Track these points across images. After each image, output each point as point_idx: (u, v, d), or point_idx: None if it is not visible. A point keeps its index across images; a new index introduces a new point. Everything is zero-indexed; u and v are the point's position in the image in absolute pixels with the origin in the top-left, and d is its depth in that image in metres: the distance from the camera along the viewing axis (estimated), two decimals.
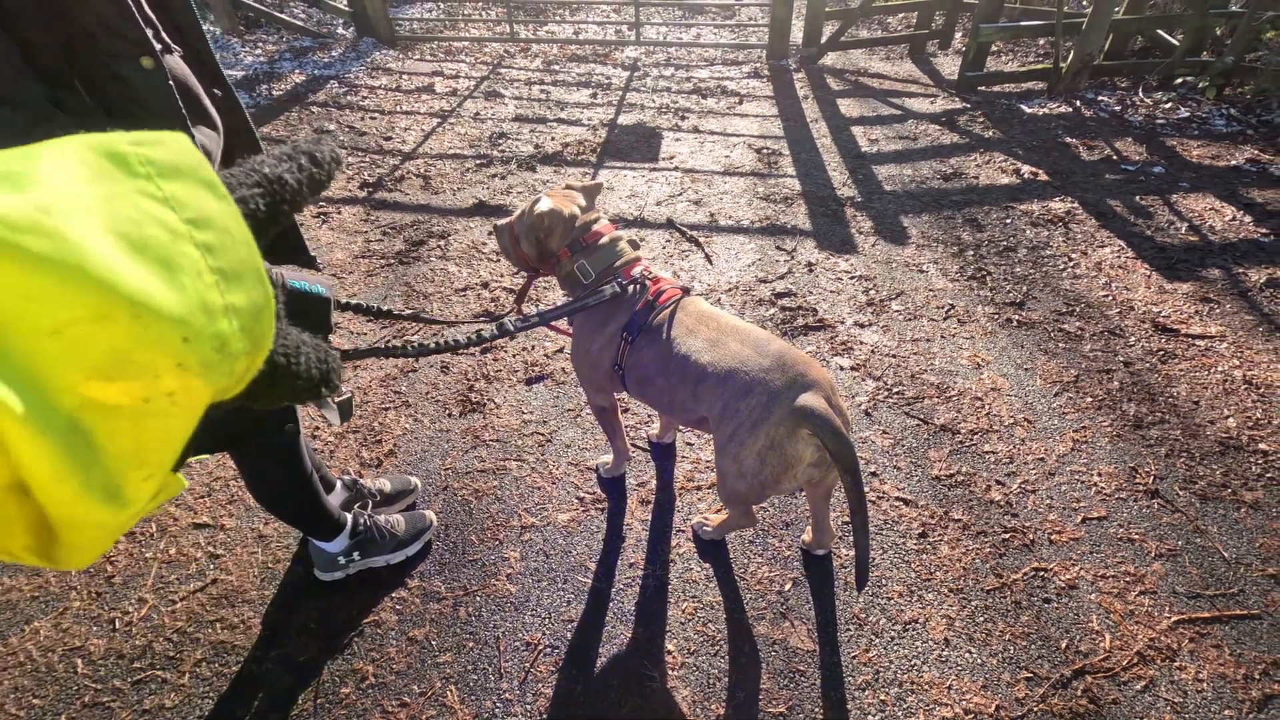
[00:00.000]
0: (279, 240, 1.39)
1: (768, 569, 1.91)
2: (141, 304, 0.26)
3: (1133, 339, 2.73)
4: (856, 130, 4.79)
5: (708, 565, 1.92)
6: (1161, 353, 2.64)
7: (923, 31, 6.36)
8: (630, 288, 1.65)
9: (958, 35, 6.73)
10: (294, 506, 1.66)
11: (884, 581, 1.87)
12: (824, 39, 6.10)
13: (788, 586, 1.86)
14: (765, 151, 4.47)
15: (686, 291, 1.70)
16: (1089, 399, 2.44)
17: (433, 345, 1.05)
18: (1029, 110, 4.98)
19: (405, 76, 5.86)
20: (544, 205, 1.66)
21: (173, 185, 0.30)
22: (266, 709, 1.62)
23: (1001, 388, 2.51)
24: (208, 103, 1.16)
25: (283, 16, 6.62)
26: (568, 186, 1.80)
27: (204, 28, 1.27)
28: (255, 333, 0.34)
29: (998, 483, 2.14)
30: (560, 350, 2.72)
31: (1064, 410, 2.40)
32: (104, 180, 0.28)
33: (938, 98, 5.32)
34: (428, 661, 1.70)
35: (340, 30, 6.88)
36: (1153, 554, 1.93)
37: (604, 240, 1.70)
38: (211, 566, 1.93)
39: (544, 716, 1.59)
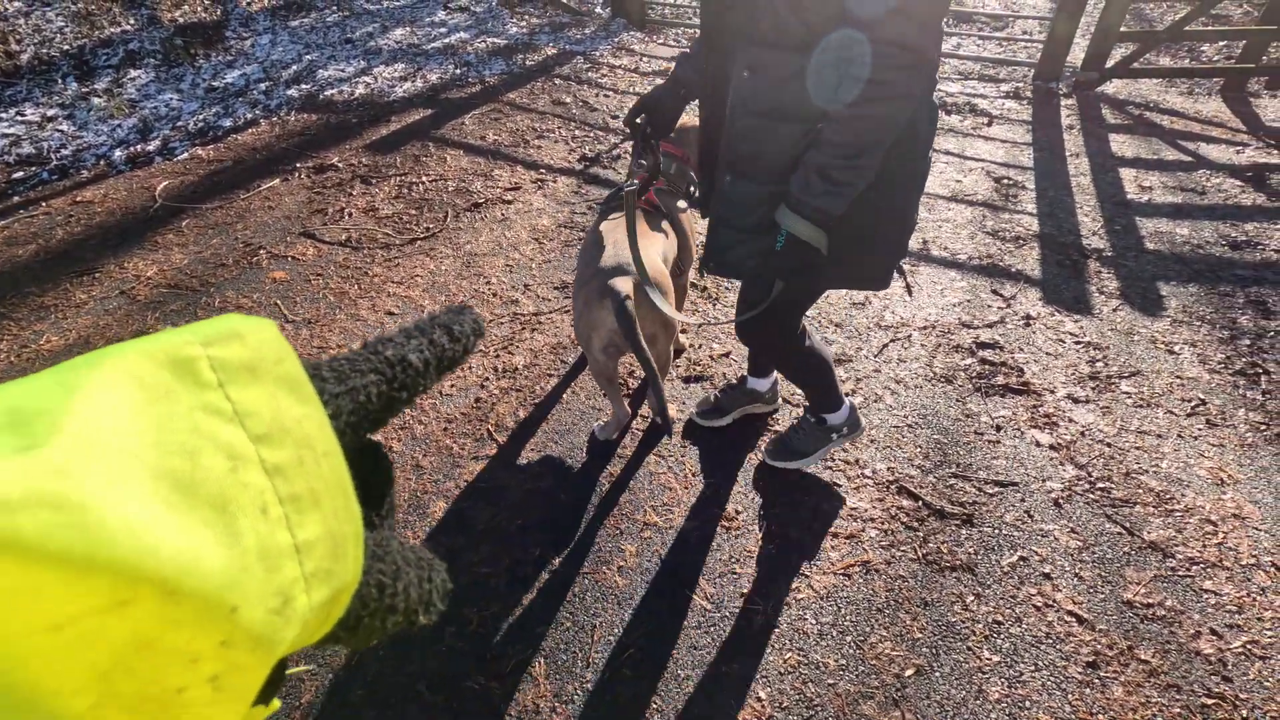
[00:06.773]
0: None
1: (891, 646, 1.71)
2: (177, 578, 0.20)
3: None
4: (1126, 173, 4.10)
5: (825, 620, 1.77)
6: None
7: (1248, 65, 5.26)
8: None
9: None
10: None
11: (1026, 704, 1.59)
12: (1110, 63, 5.29)
13: (909, 672, 1.66)
14: (1005, 182, 3.99)
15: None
16: None
17: None
18: None
19: (645, 59, 6.04)
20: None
21: (246, 393, 0.25)
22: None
23: (1248, 516, 2.01)
24: None
25: None
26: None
27: None
28: (335, 572, 0.27)
29: (1213, 632, 1.73)
30: (727, 354, 2.66)
31: None
32: (161, 401, 0.23)
33: (1248, 147, 4.38)
34: (527, 628, 1.76)
35: (599, 10, 7.24)
36: None
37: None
38: None
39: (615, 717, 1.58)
